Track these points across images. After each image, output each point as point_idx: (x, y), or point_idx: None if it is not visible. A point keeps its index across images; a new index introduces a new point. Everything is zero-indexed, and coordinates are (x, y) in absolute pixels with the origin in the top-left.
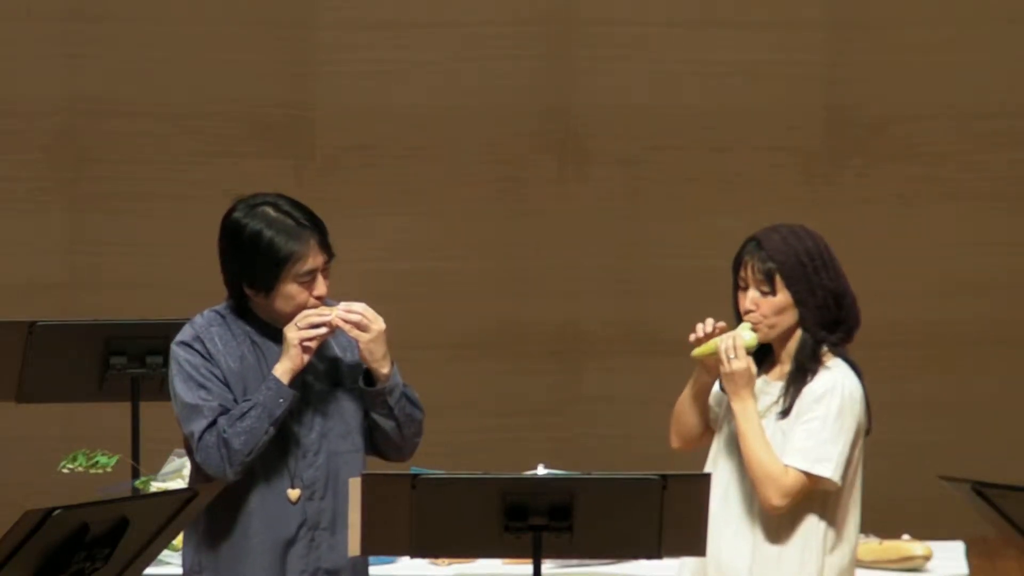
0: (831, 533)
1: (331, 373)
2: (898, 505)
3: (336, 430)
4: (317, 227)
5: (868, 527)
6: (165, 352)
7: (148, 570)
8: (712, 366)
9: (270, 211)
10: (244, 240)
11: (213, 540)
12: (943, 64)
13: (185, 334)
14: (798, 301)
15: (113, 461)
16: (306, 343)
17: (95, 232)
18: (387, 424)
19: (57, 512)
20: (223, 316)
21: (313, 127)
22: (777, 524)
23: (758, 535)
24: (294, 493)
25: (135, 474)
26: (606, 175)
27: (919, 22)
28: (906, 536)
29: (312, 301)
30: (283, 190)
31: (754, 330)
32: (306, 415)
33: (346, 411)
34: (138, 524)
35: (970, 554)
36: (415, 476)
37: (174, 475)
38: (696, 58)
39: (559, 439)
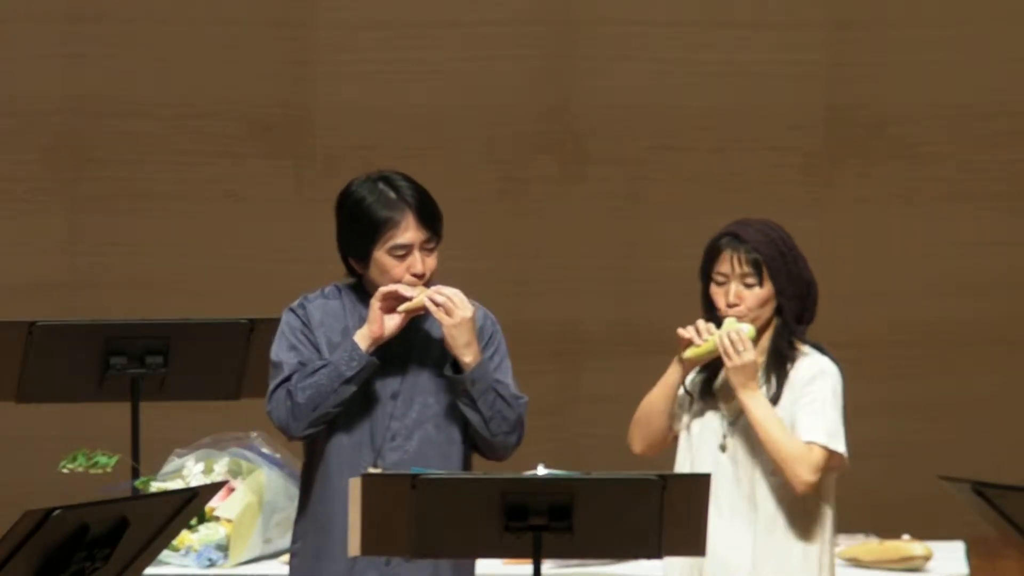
0: (827, 513)
1: (438, 361)
2: (898, 505)
3: (434, 419)
4: (421, 204)
5: (868, 527)
6: (165, 352)
7: (148, 570)
8: (688, 367)
9: (380, 184)
10: (348, 208)
11: (306, 510)
12: (943, 64)
13: (296, 301)
14: (779, 292)
15: (113, 461)
16: (388, 314)
17: (95, 232)
18: (472, 416)
19: (57, 512)
20: (340, 290)
21: (313, 127)
22: (777, 512)
23: (759, 526)
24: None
25: (135, 474)
26: (606, 175)
27: (919, 22)
28: (906, 536)
29: (408, 277)
30: (283, 190)
31: (740, 322)
32: (404, 399)
33: (447, 401)
34: (138, 524)
35: (970, 554)
36: (415, 476)
37: (174, 475)
38: (696, 58)
39: (559, 439)
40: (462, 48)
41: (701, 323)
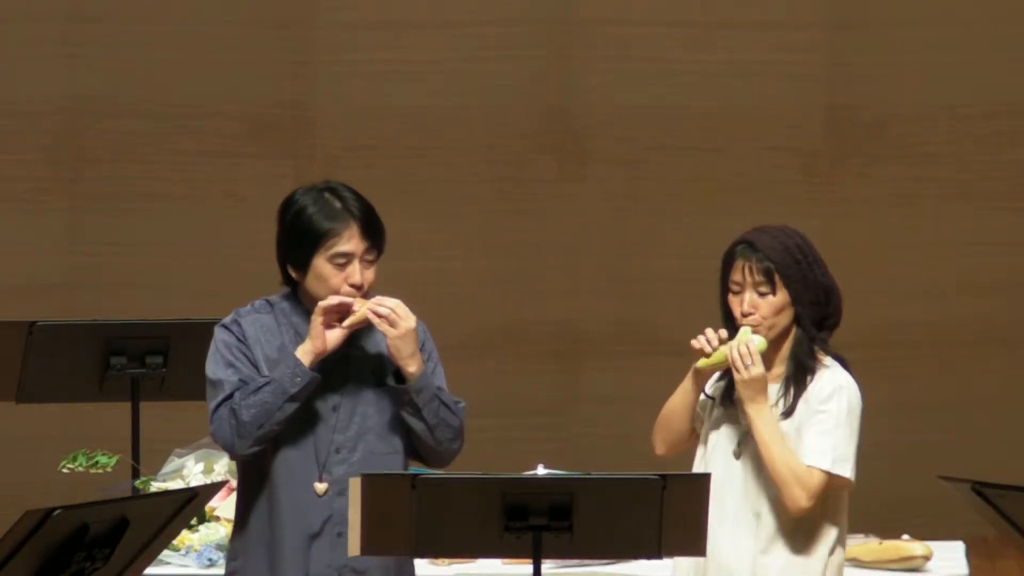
0: (832, 532)
1: (376, 372)
2: (898, 505)
3: (375, 430)
4: (364, 216)
5: (868, 527)
6: (165, 352)
7: (148, 570)
8: (705, 374)
9: (324, 194)
10: (290, 215)
11: (247, 528)
12: (943, 64)
13: (227, 317)
14: (795, 299)
15: (113, 461)
16: (329, 328)
17: (95, 232)
18: (417, 425)
19: (57, 512)
20: (272, 305)
21: (313, 127)
22: (780, 526)
23: (761, 537)
24: (321, 487)
25: (135, 474)
26: (606, 175)
27: (919, 22)
28: (906, 536)
29: (346, 288)
30: (283, 190)
31: (755, 332)
32: (345, 412)
33: (387, 411)
34: (138, 524)
35: (970, 554)
36: (415, 476)
37: (174, 475)
38: (696, 58)
39: (559, 439)
40: (462, 48)
41: (710, 331)
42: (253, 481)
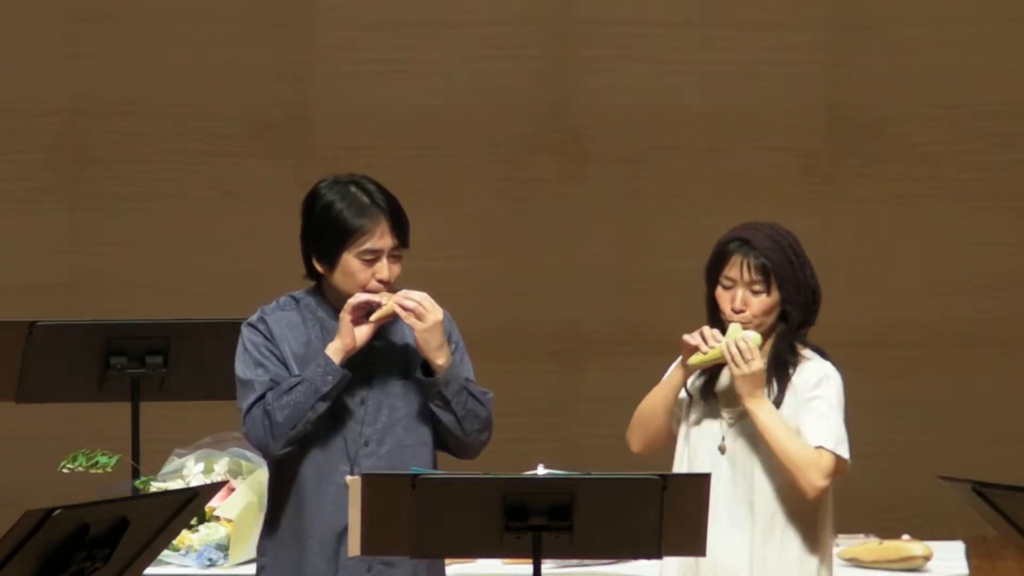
0: (824, 521)
1: (402, 364)
2: (898, 505)
3: (403, 422)
4: (392, 211)
5: (868, 527)
6: (165, 352)
7: (148, 570)
8: (690, 371)
9: (351, 188)
10: (318, 210)
11: (274, 524)
12: (943, 64)
13: (254, 316)
14: (785, 299)
15: (113, 461)
16: (359, 324)
17: (95, 232)
18: (446, 417)
19: (57, 512)
20: (297, 300)
21: (313, 127)
22: (772, 517)
23: (756, 531)
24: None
25: (135, 474)
26: (606, 175)
27: (919, 22)
28: (906, 536)
29: (374, 283)
30: (283, 190)
31: (745, 329)
32: (373, 405)
33: (414, 403)
34: (138, 524)
35: (970, 554)
36: (415, 476)
37: (174, 475)
38: (696, 58)
39: (559, 439)
40: (462, 48)
41: (707, 330)
42: (284, 478)
